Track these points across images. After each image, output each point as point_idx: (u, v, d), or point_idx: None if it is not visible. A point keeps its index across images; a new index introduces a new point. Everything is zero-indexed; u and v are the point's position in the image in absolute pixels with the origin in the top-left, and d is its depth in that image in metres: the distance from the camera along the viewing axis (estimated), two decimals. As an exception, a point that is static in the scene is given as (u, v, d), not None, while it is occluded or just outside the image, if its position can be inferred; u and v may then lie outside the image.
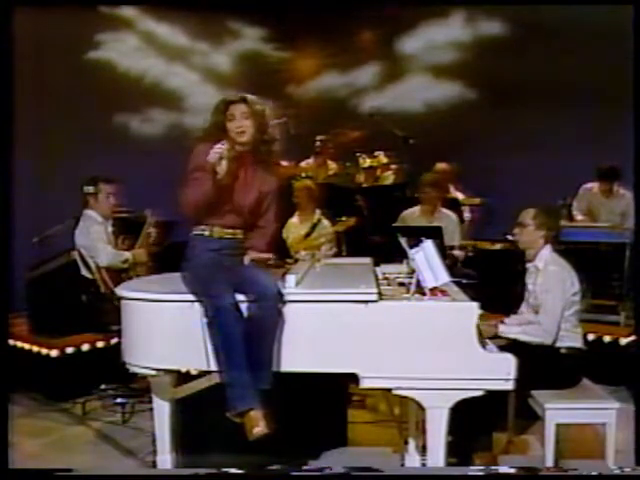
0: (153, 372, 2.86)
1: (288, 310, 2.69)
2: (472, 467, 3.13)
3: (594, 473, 2.69)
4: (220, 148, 2.77)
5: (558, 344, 3.36)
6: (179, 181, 2.90)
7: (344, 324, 2.65)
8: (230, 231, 2.95)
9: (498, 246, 5.44)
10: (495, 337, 3.30)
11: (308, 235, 5.24)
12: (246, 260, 2.95)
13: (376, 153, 6.44)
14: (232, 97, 2.96)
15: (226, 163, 2.78)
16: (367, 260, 3.62)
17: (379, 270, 3.45)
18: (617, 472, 2.86)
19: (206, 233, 2.92)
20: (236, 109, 2.91)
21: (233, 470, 2.70)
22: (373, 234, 5.41)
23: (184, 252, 2.97)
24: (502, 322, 3.51)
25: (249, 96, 2.97)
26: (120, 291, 2.95)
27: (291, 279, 2.74)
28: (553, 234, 3.52)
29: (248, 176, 2.94)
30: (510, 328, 3.41)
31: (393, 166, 6.41)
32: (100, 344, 4.75)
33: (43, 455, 3.80)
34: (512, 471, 2.85)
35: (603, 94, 6.12)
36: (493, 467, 3.03)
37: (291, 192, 5.35)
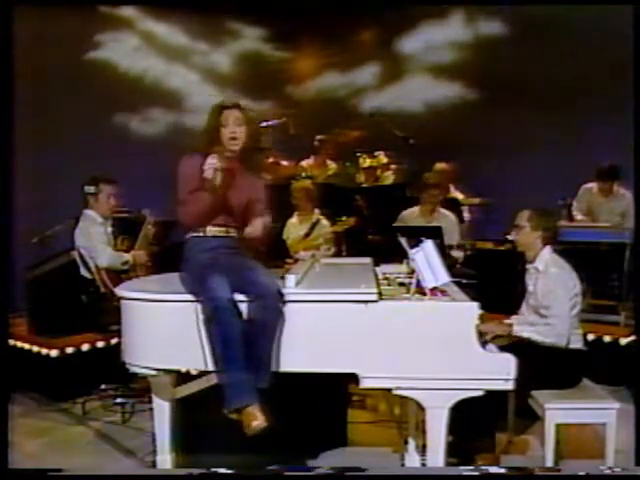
0: (153, 372, 2.86)
1: (288, 310, 2.69)
2: (471, 467, 3.13)
3: (593, 473, 2.69)
4: (213, 162, 2.83)
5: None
6: (175, 184, 2.94)
7: (344, 324, 2.65)
8: (223, 229, 2.98)
9: (498, 246, 5.44)
10: (508, 336, 3.31)
11: (307, 235, 5.25)
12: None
13: (376, 153, 6.45)
14: (226, 102, 3.02)
15: (221, 175, 2.84)
16: (367, 260, 3.62)
17: (379, 270, 3.46)
18: (616, 472, 2.86)
19: (200, 234, 2.97)
20: (230, 115, 2.96)
21: (228, 470, 2.70)
22: (373, 234, 5.41)
23: (182, 253, 2.99)
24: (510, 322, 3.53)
25: (242, 102, 3.04)
26: (120, 291, 2.95)
27: (291, 279, 2.74)
28: (550, 235, 3.51)
29: (238, 182, 2.98)
30: (523, 327, 3.40)
31: (393, 166, 6.42)
32: (100, 344, 4.75)
33: (43, 455, 3.80)
34: (510, 471, 2.85)
35: (603, 94, 6.12)
36: (492, 467, 3.02)
37: (290, 193, 5.35)
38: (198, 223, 2.95)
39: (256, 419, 2.61)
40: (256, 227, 2.93)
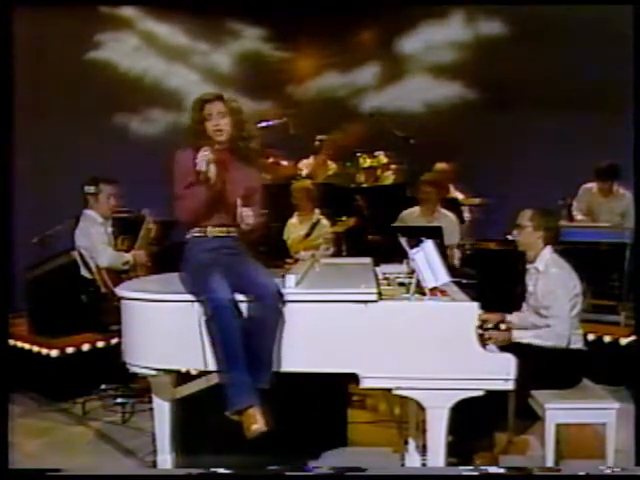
0: (153, 372, 2.86)
1: (288, 310, 2.69)
2: (471, 467, 3.13)
3: (593, 473, 2.69)
4: (205, 154, 2.81)
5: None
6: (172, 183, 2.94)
7: (344, 324, 2.65)
8: (224, 229, 2.98)
9: (498, 246, 5.44)
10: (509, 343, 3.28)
11: (308, 235, 5.25)
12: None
13: (376, 153, 6.45)
14: (208, 96, 3.00)
15: (214, 167, 2.82)
16: (367, 260, 3.62)
17: (379, 270, 3.45)
18: (617, 472, 2.86)
19: (200, 234, 2.96)
20: (212, 108, 2.94)
21: (227, 470, 2.70)
22: (373, 234, 5.41)
23: (182, 253, 2.98)
24: (510, 325, 3.53)
25: (225, 94, 3.02)
26: (120, 291, 2.95)
27: (291, 279, 2.74)
28: (552, 235, 3.51)
29: (232, 174, 2.96)
30: (522, 333, 3.40)
31: (393, 166, 6.42)
32: (100, 344, 4.76)
33: (43, 455, 3.80)
34: (510, 471, 2.85)
35: (603, 94, 6.12)
36: (492, 467, 3.02)
37: (290, 193, 5.35)
38: (195, 219, 2.94)
39: (256, 422, 2.61)
40: (247, 219, 2.87)
